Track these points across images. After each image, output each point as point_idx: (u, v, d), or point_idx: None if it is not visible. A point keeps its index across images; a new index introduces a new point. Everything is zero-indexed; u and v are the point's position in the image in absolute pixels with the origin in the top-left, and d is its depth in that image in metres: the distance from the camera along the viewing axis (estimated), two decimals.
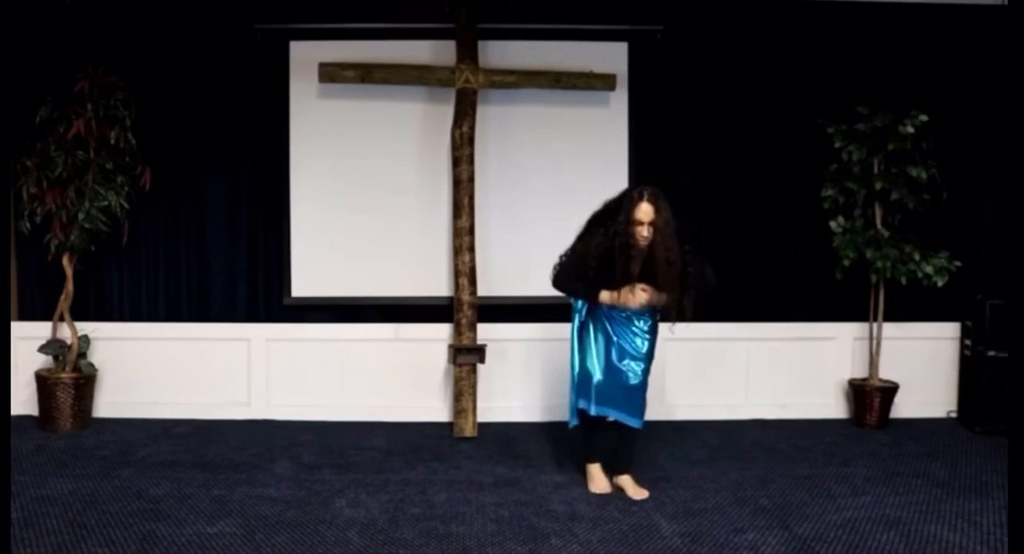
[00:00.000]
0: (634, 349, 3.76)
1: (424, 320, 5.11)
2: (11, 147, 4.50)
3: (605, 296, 3.71)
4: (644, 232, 3.58)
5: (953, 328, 5.25)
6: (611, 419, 3.78)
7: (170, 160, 5.05)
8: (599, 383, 3.75)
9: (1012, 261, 5.03)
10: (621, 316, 3.75)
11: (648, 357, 3.81)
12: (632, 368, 3.75)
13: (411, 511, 3.55)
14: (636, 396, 3.77)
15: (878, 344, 5.03)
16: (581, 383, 3.81)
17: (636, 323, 3.76)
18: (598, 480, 3.86)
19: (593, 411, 3.76)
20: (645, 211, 3.56)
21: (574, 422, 3.90)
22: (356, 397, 5.09)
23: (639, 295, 3.66)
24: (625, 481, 3.85)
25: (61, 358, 4.81)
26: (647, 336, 3.79)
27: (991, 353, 4.92)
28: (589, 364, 3.79)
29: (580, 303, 3.84)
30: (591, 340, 3.80)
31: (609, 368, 3.75)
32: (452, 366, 4.88)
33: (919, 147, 4.82)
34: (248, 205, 5.15)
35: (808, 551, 3.18)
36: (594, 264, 3.64)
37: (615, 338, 3.75)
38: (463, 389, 4.79)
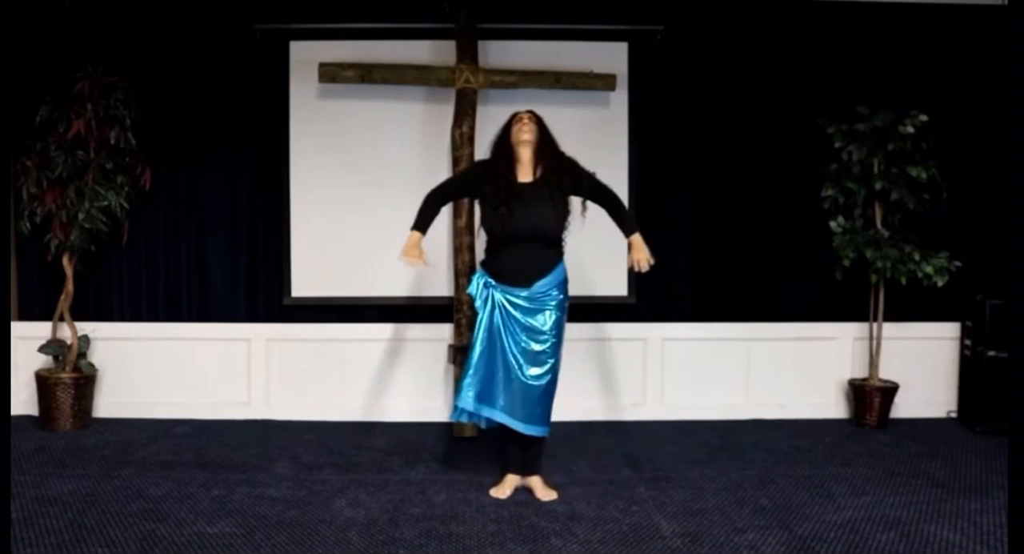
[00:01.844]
0: (531, 355, 3.59)
1: (424, 320, 5.11)
2: (11, 147, 4.50)
3: (414, 238, 3.70)
4: (525, 126, 3.63)
5: (953, 328, 5.25)
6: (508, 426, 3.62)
7: (170, 160, 5.05)
8: (497, 388, 3.59)
9: (1012, 261, 5.02)
10: (521, 319, 3.59)
11: (551, 361, 3.62)
12: (532, 377, 3.59)
13: (411, 511, 3.55)
14: (537, 404, 3.60)
15: (878, 344, 5.03)
16: (483, 383, 3.62)
17: (535, 330, 3.60)
18: (504, 487, 3.76)
19: (497, 418, 3.60)
20: (523, 114, 3.70)
21: (460, 419, 3.69)
22: (356, 397, 5.10)
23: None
24: (534, 482, 3.76)
25: (61, 358, 4.81)
26: (547, 339, 3.61)
27: (991, 353, 4.92)
28: (487, 364, 3.61)
29: (476, 287, 3.67)
30: (487, 337, 3.61)
31: (507, 375, 3.59)
32: (452, 366, 4.88)
33: (919, 147, 4.82)
34: (248, 205, 5.15)
35: (808, 551, 3.18)
36: (474, 178, 3.72)
37: (510, 342, 3.59)
38: None
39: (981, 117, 5.19)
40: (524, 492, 3.79)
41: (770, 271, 5.31)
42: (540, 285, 3.63)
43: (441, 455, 4.40)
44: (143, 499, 3.63)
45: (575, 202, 3.72)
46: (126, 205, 4.78)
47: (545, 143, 3.68)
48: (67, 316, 4.81)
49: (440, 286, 5.09)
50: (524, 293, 3.62)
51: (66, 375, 4.74)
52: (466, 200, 4.78)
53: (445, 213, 4.98)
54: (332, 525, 3.38)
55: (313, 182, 5.06)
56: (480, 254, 4.82)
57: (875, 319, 5.03)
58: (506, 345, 3.61)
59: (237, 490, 3.77)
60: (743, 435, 4.82)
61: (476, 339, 3.64)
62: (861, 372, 5.20)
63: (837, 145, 4.91)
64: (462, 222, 4.78)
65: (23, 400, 4.97)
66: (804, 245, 5.28)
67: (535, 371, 3.61)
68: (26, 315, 5.09)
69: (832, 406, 5.25)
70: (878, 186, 4.82)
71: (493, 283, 3.65)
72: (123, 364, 5.05)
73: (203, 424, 4.93)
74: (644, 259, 3.71)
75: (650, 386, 5.19)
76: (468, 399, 3.60)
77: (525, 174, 3.68)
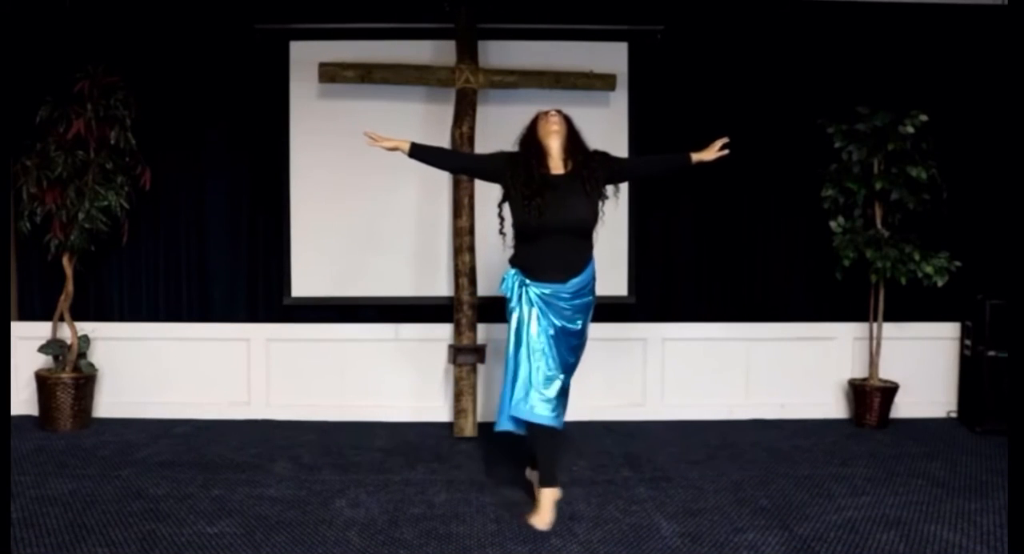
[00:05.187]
0: (561, 354, 3.49)
1: (424, 320, 5.11)
2: (11, 147, 4.50)
3: (400, 141, 3.62)
4: (553, 118, 3.58)
5: (953, 328, 5.25)
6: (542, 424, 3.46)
7: (170, 160, 5.05)
8: (537, 385, 3.45)
9: (1012, 261, 5.03)
10: (555, 320, 3.46)
11: (574, 360, 3.58)
12: (562, 374, 3.49)
13: (411, 511, 3.55)
14: (563, 398, 3.53)
15: (878, 344, 5.03)
16: (523, 384, 3.46)
17: (567, 332, 3.50)
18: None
19: (536, 419, 3.43)
20: (549, 110, 3.64)
21: (508, 427, 3.51)
22: (356, 397, 5.10)
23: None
24: (551, 494, 3.51)
25: (61, 358, 4.81)
26: (576, 340, 3.55)
27: (991, 353, 4.92)
28: (530, 363, 3.45)
29: (511, 284, 3.52)
30: (527, 333, 3.47)
31: (550, 368, 3.47)
32: (452, 366, 4.88)
33: (919, 147, 4.82)
34: (248, 205, 5.15)
35: (808, 551, 3.18)
36: (503, 163, 3.58)
37: (544, 341, 3.46)
38: (463, 389, 4.79)
39: (981, 117, 5.19)
40: (524, 492, 3.79)
41: (770, 271, 5.31)
42: (575, 284, 3.48)
43: (441, 455, 4.40)
44: (143, 499, 3.63)
45: (607, 192, 3.61)
46: (126, 205, 4.78)
47: (574, 137, 3.61)
48: (67, 316, 4.81)
49: (440, 286, 5.10)
50: (560, 292, 3.47)
51: (66, 375, 4.74)
52: (466, 200, 4.77)
53: (445, 213, 5.02)
54: (332, 525, 3.38)
55: (313, 182, 5.06)
56: (481, 255, 4.87)
57: (875, 319, 5.03)
58: (548, 345, 3.46)
59: (237, 490, 3.77)
60: (743, 435, 4.82)
61: (519, 341, 3.48)
62: (861, 372, 5.20)
63: (837, 145, 4.91)
64: (462, 222, 4.78)
65: (23, 400, 4.97)
66: (804, 245, 5.28)
67: (563, 368, 3.52)
68: (26, 315, 5.09)
69: (832, 406, 5.25)
70: (878, 186, 4.82)
71: (528, 281, 3.50)
72: (123, 364, 5.04)
73: (203, 424, 4.93)
74: (716, 146, 3.66)
75: (650, 386, 5.19)
76: (528, 410, 3.44)
77: (556, 167, 3.57)
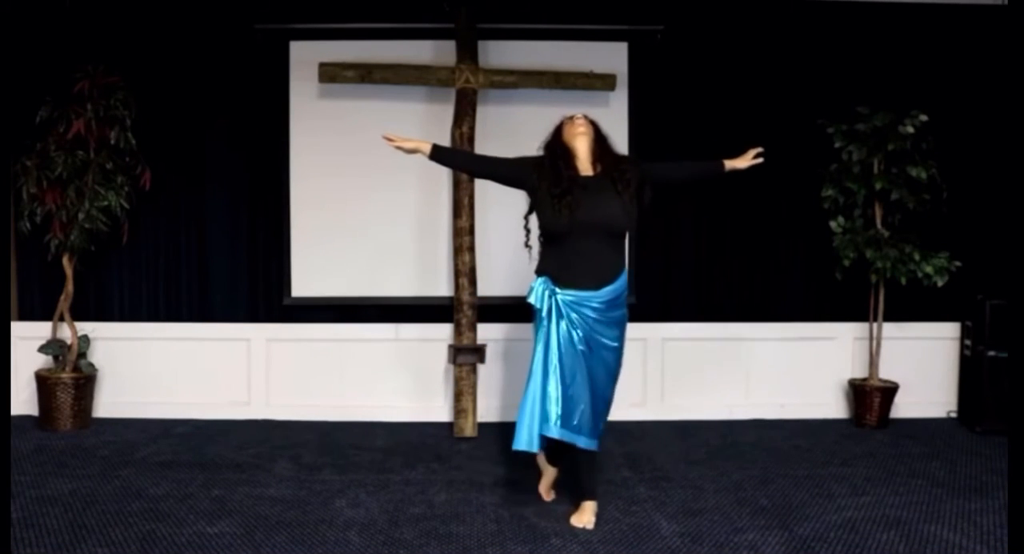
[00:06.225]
0: (602, 368, 3.37)
1: (424, 320, 5.11)
2: (11, 147, 4.50)
3: (422, 142, 3.54)
4: (579, 120, 3.48)
5: (953, 328, 5.25)
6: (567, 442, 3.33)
7: (170, 160, 5.05)
8: (568, 405, 3.29)
9: (1012, 261, 5.03)
10: (590, 333, 3.32)
11: (615, 374, 3.45)
12: (604, 390, 3.39)
13: (411, 511, 3.55)
14: (603, 418, 3.42)
15: (878, 344, 5.03)
16: (545, 400, 3.29)
17: (603, 346, 3.36)
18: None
19: (556, 434, 3.28)
20: (575, 114, 3.55)
21: (534, 447, 3.30)
22: (356, 397, 5.10)
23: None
24: (588, 507, 3.47)
25: (61, 358, 4.81)
26: (614, 354, 3.41)
27: (991, 353, 4.92)
28: (561, 381, 3.29)
29: (540, 294, 3.34)
30: (556, 349, 3.30)
31: (580, 385, 3.31)
32: (452, 366, 4.88)
33: (919, 147, 4.82)
34: (248, 205, 5.15)
35: (808, 551, 3.18)
36: (531, 167, 3.45)
37: (582, 356, 3.31)
38: (463, 389, 4.79)
39: (981, 117, 5.19)
40: (524, 492, 3.79)
41: (770, 271, 5.31)
42: (608, 292, 3.34)
43: (441, 455, 4.40)
44: (143, 499, 3.63)
45: (646, 198, 3.51)
46: (126, 205, 4.78)
47: (602, 141, 3.51)
48: (67, 316, 4.81)
49: (440, 286, 5.10)
50: (589, 300, 3.32)
51: (66, 375, 4.74)
52: (466, 200, 4.77)
53: (445, 213, 5.02)
54: (332, 525, 3.38)
55: (313, 182, 5.06)
56: (480, 254, 4.87)
57: (875, 319, 5.03)
58: (578, 359, 3.31)
59: (237, 490, 3.78)
60: (743, 435, 4.82)
61: (547, 356, 3.30)
62: (861, 372, 5.20)
63: (837, 145, 4.91)
64: (462, 222, 4.78)
65: (23, 400, 4.97)
66: (804, 245, 5.28)
67: (605, 383, 3.41)
68: (26, 315, 5.09)
69: (832, 406, 5.25)
70: (878, 186, 4.82)
71: (558, 291, 3.32)
72: (123, 364, 5.04)
73: (203, 424, 4.93)
74: (751, 155, 3.65)
75: (650, 386, 5.19)
76: (554, 427, 3.27)
77: (585, 169, 3.44)
